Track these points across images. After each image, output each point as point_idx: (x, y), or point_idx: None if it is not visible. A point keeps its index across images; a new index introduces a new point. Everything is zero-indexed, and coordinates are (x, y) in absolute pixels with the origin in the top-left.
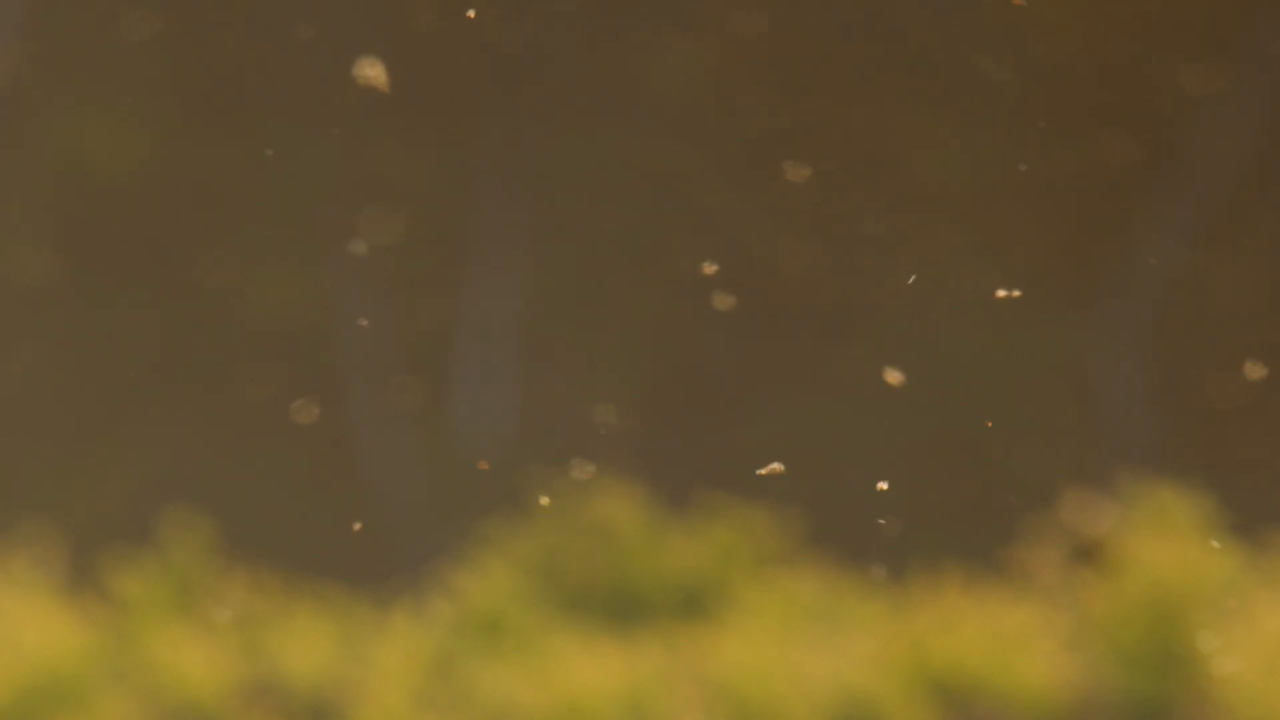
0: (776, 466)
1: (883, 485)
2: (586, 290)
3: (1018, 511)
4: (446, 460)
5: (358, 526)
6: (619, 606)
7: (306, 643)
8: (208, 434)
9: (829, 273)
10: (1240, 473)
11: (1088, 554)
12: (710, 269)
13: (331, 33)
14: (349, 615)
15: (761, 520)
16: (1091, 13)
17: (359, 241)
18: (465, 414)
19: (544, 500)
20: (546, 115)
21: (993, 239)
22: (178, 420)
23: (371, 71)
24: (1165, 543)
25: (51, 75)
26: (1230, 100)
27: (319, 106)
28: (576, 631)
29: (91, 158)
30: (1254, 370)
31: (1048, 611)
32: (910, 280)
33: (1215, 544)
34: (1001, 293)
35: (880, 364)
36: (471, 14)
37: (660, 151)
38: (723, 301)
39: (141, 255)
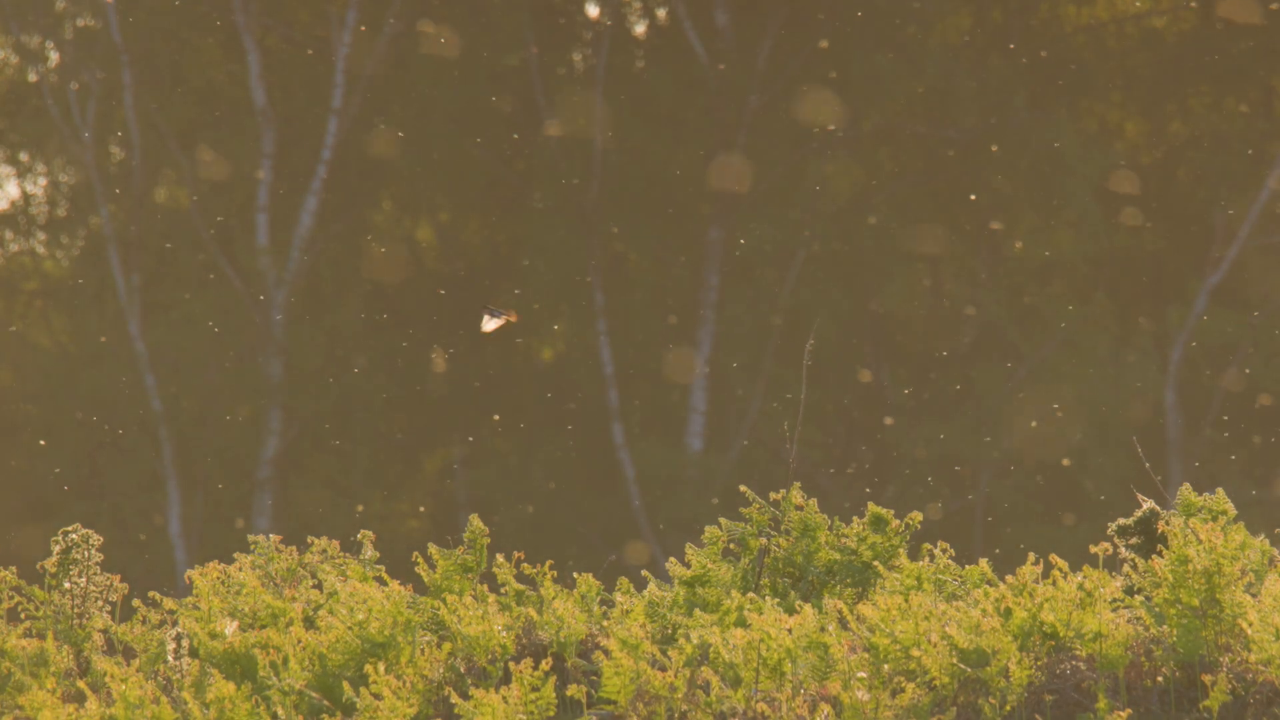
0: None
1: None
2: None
3: (1101, 503)
4: (681, 466)
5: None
6: (803, 582)
7: (562, 609)
8: (490, 443)
9: (964, 322)
10: (1267, 476)
11: (1152, 537)
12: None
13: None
14: (591, 586)
15: (895, 523)
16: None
17: (599, 296)
18: (695, 429)
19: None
20: (747, 211)
21: (1086, 301)
22: (469, 432)
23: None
24: (1211, 529)
25: (370, 187)
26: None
27: (565, 200)
28: (771, 598)
29: (400, 238)
30: (1265, 399)
31: (1119, 580)
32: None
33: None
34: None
35: (1002, 385)
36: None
37: (834, 238)
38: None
39: (438, 308)
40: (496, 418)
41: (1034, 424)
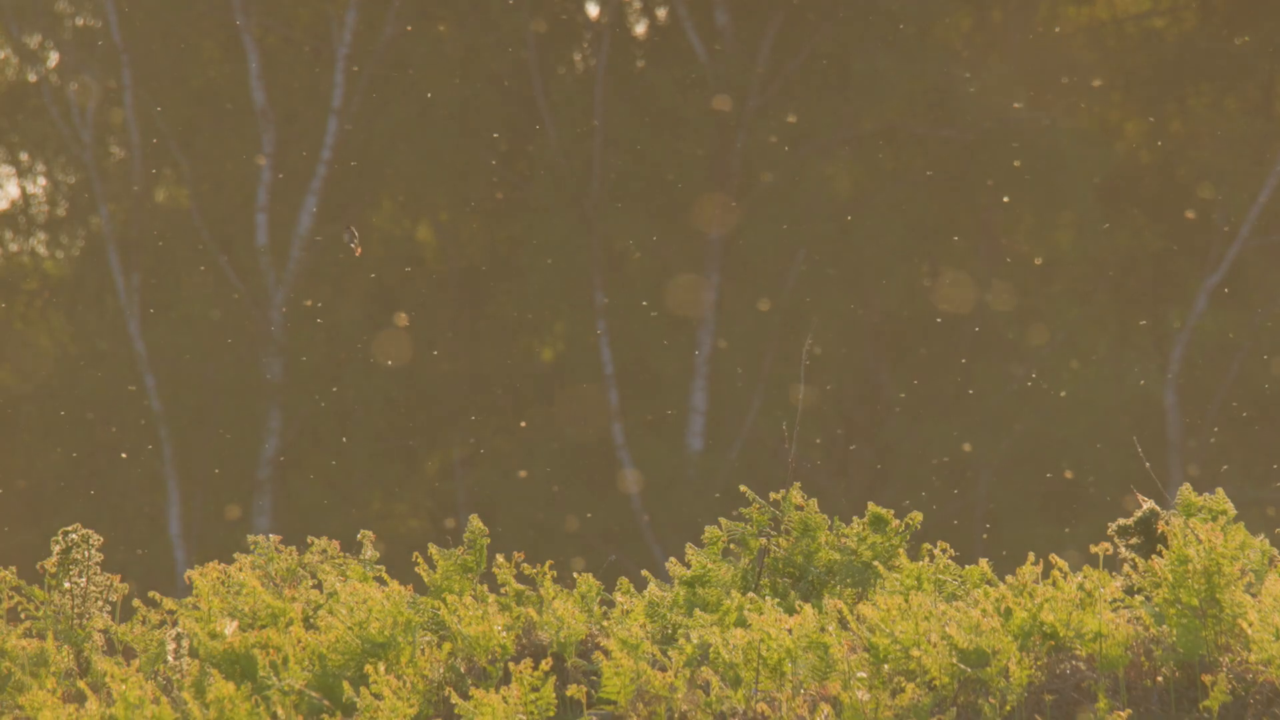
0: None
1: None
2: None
3: (1101, 502)
4: (681, 466)
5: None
6: (803, 582)
7: (562, 609)
8: (490, 443)
9: (964, 322)
10: (1267, 476)
11: (1152, 537)
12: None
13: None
14: (591, 586)
15: (895, 523)
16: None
17: (600, 295)
18: (695, 429)
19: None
20: (748, 210)
21: (1086, 301)
22: (469, 433)
23: None
24: (1211, 529)
25: (374, 182)
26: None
27: (567, 196)
28: (771, 598)
29: (402, 236)
30: (1270, 399)
31: (1119, 580)
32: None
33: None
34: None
35: (1002, 385)
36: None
37: (834, 238)
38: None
39: (441, 303)
40: (521, 423)
41: (1034, 424)
